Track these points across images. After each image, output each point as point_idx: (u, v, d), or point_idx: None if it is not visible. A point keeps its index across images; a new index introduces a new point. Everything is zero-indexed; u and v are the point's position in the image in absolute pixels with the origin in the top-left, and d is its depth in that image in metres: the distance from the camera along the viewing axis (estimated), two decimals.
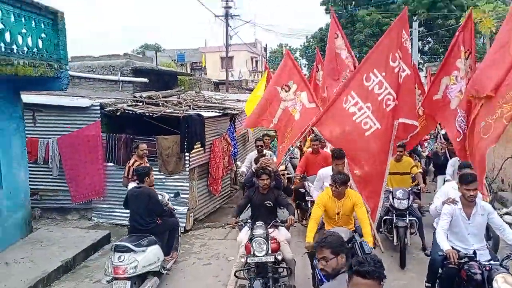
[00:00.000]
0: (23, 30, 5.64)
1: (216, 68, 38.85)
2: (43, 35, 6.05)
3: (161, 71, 11.68)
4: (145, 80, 9.77)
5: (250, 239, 4.59)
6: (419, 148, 10.29)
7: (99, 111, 7.77)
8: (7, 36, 5.35)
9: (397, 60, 5.15)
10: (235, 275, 4.71)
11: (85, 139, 7.80)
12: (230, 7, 22.49)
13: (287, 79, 6.40)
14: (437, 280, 4.41)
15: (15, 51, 5.53)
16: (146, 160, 6.76)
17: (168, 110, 7.82)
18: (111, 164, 7.88)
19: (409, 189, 6.21)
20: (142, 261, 4.89)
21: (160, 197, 5.72)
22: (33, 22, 5.84)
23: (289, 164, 8.55)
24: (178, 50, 41.16)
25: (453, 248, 4.03)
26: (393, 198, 6.00)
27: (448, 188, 4.85)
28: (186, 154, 7.61)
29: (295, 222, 5.24)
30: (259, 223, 4.77)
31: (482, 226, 4.20)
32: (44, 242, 6.52)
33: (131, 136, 7.72)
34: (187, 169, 7.65)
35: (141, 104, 8.76)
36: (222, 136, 8.97)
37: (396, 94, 5.17)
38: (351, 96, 5.29)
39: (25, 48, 5.72)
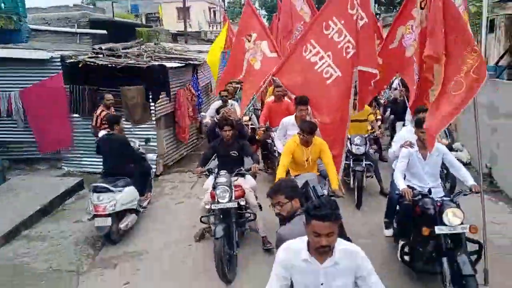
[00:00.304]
0: None
1: (173, 20, 37.66)
2: None
3: (119, 23, 11.56)
4: (103, 32, 9.71)
5: (214, 187, 4.80)
6: (377, 96, 10.39)
7: (60, 64, 7.81)
8: None
9: (356, 7, 5.06)
10: (201, 220, 5.04)
11: (48, 91, 7.87)
12: None
13: (249, 28, 6.42)
14: (395, 216, 4.83)
15: None
16: (113, 110, 7.04)
17: (130, 62, 7.97)
18: (77, 115, 8.07)
19: (366, 135, 6.60)
20: (120, 200, 5.37)
21: (131, 144, 6.10)
22: None
23: (253, 115, 8.69)
24: (131, 1, 39.32)
25: (410, 186, 4.34)
26: (351, 144, 6.31)
27: (404, 132, 5.17)
28: (152, 104, 7.92)
29: (260, 170, 5.43)
30: (222, 172, 5.00)
31: (437, 166, 4.56)
32: (18, 190, 6.81)
33: (95, 88, 7.88)
34: (154, 119, 8.00)
35: (101, 56, 8.77)
36: (185, 87, 9.27)
37: (355, 42, 5.16)
38: (311, 45, 5.24)
39: None
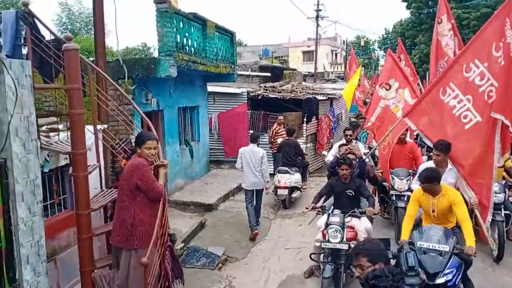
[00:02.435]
0: (220, 46, 9.54)
1: (299, 62, 42.23)
2: (226, 47, 9.93)
3: (276, 67, 15.49)
4: (268, 74, 13.51)
5: (326, 226, 4.85)
6: None
7: (246, 96, 11.63)
8: (210, 51, 9.23)
9: (501, 49, 4.75)
10: (310, 257, 5.10)
11: (236, 114, 11.71)
12: (320, 10, 25.91)
13: (387, 77, 6.67)
14: None
15: (212, 59, 9.44)
16: (283, 127, 10.43)
17: (293, 95, 11.45)
18: (252, 131, 11.70)
19: (503, 182, 6.10)
20: (293, 180, 8.56)
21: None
22: (223, 40, 9.72)
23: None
24: (262, 46, 45.25)
25: None
26: None
27: None
28: (304, 125, 11.20)
29: (376, 214, 5.36)
30: (336, 211, 5.06)
31: None
32: (220, 176, 10.55)
33: (267, 113, 11.49)
34: (304, 135, 11.25)
35: (268, 91, 12.49)
36: (325, 114, 12.43)
37: (498, 86, 4.81)
38: (451, 88, 4.98)
39: (218, 57, 9.63)
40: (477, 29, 14.39)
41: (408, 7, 34.32)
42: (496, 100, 4.77)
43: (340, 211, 5.03)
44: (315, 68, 23.99)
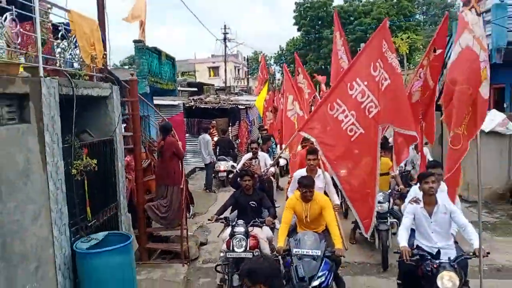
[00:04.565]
0: (167, 69, 12.56)
1: (205, 76, 45.71)
2: (169, 70, 12.97)
3: (200, 83, 18.76)
4: (195, 89, 16.74)
5: (231, 236, 4.96)
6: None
7: (182, 107, 14.69)
8: (163, 73, 12.25)
9: (378, 69, 5.24)
10: (215, 269, 5.12)
11: (175, 122, 14.54)
12: (227, 33, 29.97)
13: (287, 91, 7.37)
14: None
15: (164, 79, 12.41)
16: (215, 129, 13.73)
17: (219, 105, 14.88)
18: (188, 134, 14.78)
19: (388, 191, 6.34)
20: (229, 165, 11.94)
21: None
22: (168, 64, 12.77)
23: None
24: None
25: (418, 246, 4.16)
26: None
27: (417, 188, 4.79)
28: (230, 128, 14.67)
29: (274, 223, 5.44)
30: (239, 221, 5.18)
31: (445, 225, 4.21)
32: None
33: (200, 120, 14.70)
34: (230, 136, 14.70)
35: (197, 103, 15.68)
36: (243, 119, 16.09)
37: (378, 101, 5.25)
38: (338, 104, 5.34)
39: (167, 77, 12.63)
40: (353, 49, 19.32)
41: (299, 30, 40.25)
42: (382, 113, 5.19)
43: (243, 222, 5.19)
44: (225, 83, 27.71)
